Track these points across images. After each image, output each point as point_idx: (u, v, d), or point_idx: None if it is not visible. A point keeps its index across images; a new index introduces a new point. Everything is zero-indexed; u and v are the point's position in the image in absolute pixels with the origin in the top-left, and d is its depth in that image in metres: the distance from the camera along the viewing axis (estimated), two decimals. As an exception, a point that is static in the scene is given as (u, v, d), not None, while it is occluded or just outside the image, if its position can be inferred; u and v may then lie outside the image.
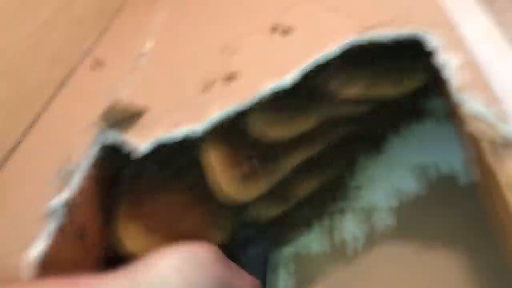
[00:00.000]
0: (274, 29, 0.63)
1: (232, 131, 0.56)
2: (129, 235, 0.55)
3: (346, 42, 0.53)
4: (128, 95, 0.64)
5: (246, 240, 0.51)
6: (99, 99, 0.63)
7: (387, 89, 0.58)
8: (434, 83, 0.62)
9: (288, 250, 0.72)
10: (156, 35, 0.79)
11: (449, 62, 0.46)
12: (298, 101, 0.57)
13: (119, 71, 0.70)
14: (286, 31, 0.62)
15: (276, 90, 0.52)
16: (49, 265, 0.43)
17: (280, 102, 0.56)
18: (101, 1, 0.84)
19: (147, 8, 0.91)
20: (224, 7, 0.77)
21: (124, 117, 0.59)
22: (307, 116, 0.57)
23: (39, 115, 0.60)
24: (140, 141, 0.55)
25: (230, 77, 0.59)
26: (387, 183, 0.71)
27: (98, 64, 0.73)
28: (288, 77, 0.52)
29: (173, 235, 0.54)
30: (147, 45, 0.76)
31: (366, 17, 0.54)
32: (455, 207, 0.62)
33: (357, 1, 0.58)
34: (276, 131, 0.56)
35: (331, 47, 0.53)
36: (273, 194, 0.60)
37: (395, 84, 0.58)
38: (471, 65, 0.45)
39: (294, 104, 0.57)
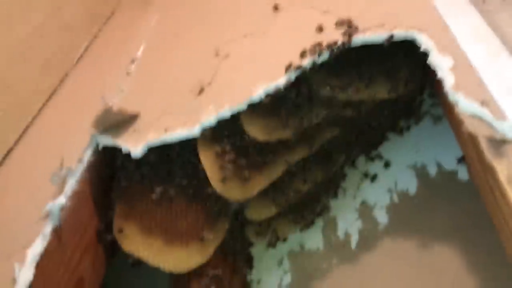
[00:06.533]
0: (265, 31, 0.64)
1: (225, 133, 0.56)
2: (126, 235, 0.54)
3: (338, 44, 0.53)
4: (120, 99, 0.64)
5: None
6: (91, 104, 0.62)
7: (381, 92, 0.58)
8: (429, 83, 0.63)
9: (283, 247, 0.72)
10: (148, 40, 0.78)
11: (442, 62, 0.47)
12: (291, 104, 0.57)
13: (111, 76, 0.70)
14: (277, 34, 0.62)
15: (269, 93, 0.52)
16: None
17: (274, 105, 0.56)
18: (92, 7, 0.84)
19: (138, 14, 0.90)
20: (215, 12, 0.77)
21: (117, 122, 0.59)
22: (301, 118, 0.57)
23: (32, 121, 0.59)
24: (133, 145, 0.55)
25: (222, 81, 0.59)
26: (385, 181, 0.71)
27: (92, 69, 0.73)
28: (280, 80, 0.52)
29: (169, 234, 0.54)
30: (138, 50, 0.76)
31: (357, 19, 0.55)
32: (453, 204, 0.63)
33: (349, 3, 0.58)
34: (270, 133, 0.56)
35: (323, 50, 0.54)
36: (268, 194, 0.60)
37: (389, 86, 0.58)
38: (464, 65, 0.45)
39: (287, 107, 0.57)
